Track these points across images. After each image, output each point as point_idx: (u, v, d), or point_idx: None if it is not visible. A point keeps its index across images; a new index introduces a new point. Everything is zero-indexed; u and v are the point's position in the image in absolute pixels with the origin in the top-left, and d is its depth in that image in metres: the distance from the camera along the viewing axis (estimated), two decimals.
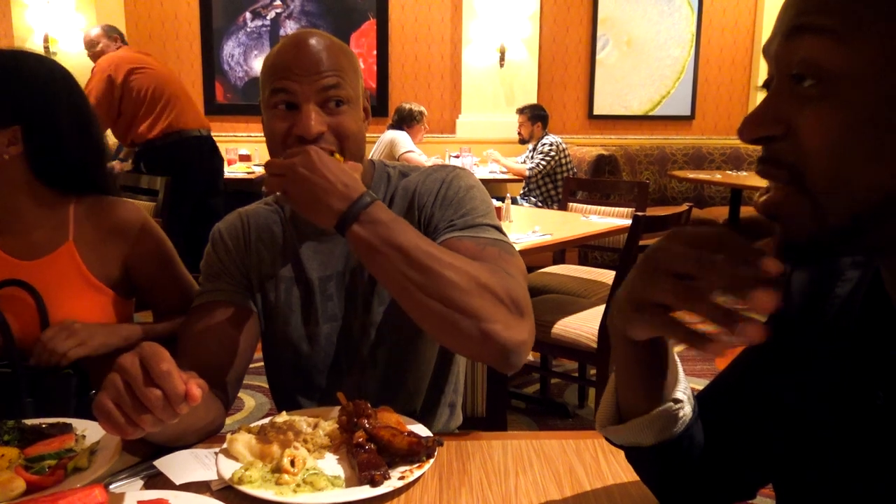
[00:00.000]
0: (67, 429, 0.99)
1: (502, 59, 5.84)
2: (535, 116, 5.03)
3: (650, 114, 6.34)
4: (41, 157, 1.29)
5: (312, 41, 1.07)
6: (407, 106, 5.02)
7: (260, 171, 4.97)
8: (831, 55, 0.50)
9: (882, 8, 0.48)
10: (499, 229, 1.13)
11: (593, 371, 2.64)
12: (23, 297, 1.24)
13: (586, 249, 4.45)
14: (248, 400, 3.17)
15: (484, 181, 4.99)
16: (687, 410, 0.71)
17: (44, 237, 1.31)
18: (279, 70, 1.07)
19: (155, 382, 0.73)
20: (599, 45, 6.19)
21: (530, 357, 3.11)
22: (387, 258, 0.96)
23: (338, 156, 1.05)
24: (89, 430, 1.00)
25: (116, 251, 1.35)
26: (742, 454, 0.74)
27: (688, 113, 6.36)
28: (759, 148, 0.55)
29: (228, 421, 1.14)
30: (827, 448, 0.62)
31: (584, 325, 2.57)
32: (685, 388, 0.72)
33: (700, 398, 0.80)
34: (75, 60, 5.41)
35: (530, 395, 3.28)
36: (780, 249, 0.55)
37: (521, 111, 5.11)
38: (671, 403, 0.70)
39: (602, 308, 2.51)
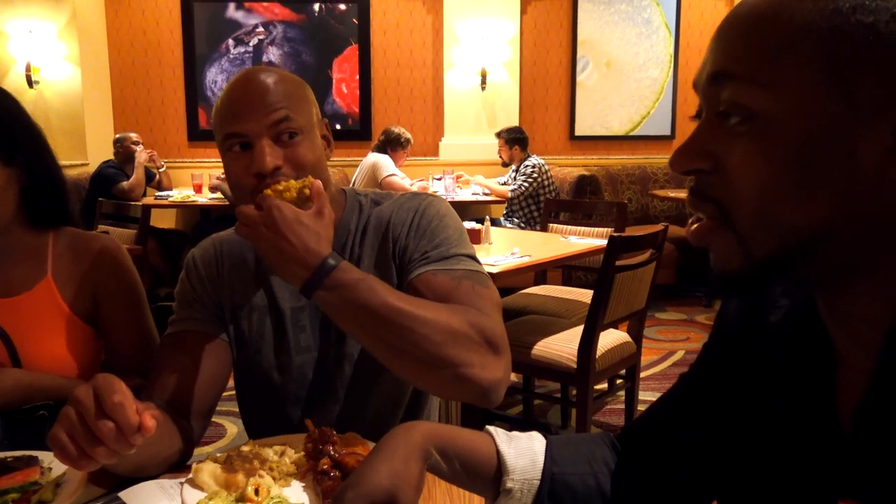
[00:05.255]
0: (33, 462, 0.99)
1: (484, 82, 5.89)
2: (513, 139, 5.06)
3: (631, 134, 6.41)
4: (34, 191, 1.26)
5: (258, 78, 1.07)
6: (395, 130, 5.06)
7: None
8: (753, 97, 0.51)
9: (793, 54, 0.50)
10: (472, 257, 1.14)
11: (575, 391, 2.65)
12: None
13: (569, 269, 4.48)
14: (231, 427, 3.14)
15: (467, 203, 5.08)
16: (524, 492, 0.75)
17: (23, 273, 1.27)
18: (229, 115, 1.07)
19: (108, 414, 0.73)
20: (579, 67, 6.27)
21: (513, 378, 3.12)
22: (356, 320, 0.97)
23: (310, 178, 1.02)
24: (55, 463, 1.00)
25: (89, 283, 1.31)
26: (682, 477, 0.75)
27: (668, 133, 6.44)
28: None
29: (210, 448, 1.14)
30: (765, 470, 0.63)
31: (563, 346, 2.58)
32: (519, 475, 0.75)
33: (639, 422, 0.82)
34: (58, 88, 5.43)
35: (514, 417, 3.28)
36: (713, 279, 0.56)
37: (498, 135, 5.15)
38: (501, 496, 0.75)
39: (581, 328, 2.52)
